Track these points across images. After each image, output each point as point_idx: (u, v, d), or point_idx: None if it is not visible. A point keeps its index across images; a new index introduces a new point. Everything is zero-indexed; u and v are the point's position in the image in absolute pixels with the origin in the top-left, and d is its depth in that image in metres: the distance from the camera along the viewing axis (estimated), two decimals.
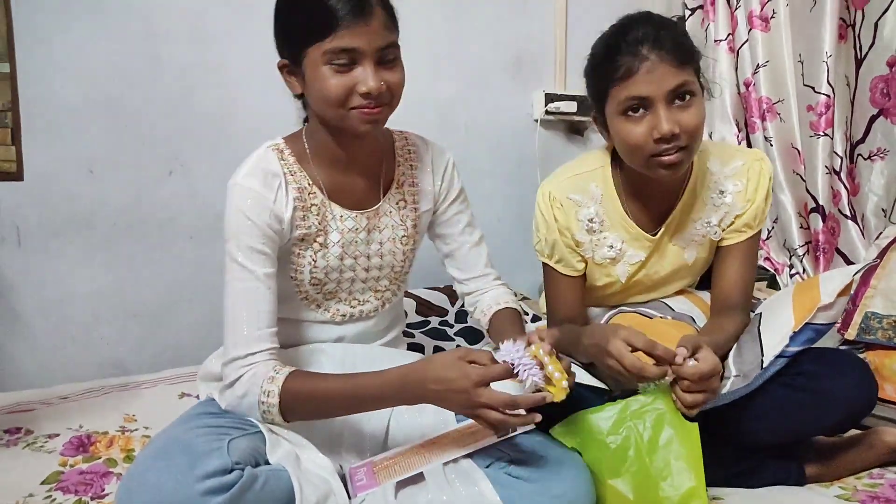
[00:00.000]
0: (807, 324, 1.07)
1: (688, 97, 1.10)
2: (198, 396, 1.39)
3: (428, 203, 1.21)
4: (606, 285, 1.34)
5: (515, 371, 0.90)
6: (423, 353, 1.57)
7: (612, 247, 1.28)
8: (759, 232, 1.30)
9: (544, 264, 1.34)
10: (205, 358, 1.20)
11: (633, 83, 1.09)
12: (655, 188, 1.24)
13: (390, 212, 1.16)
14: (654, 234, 1.28)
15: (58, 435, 1.23)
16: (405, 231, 1.18)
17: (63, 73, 1.50)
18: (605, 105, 1.15)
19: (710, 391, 1.00)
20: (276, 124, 1.72)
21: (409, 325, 1.64)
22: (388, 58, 1.01)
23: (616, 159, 1.27)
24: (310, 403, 0.99)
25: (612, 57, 1.11)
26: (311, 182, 1.08)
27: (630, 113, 1.11)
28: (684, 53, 1.10)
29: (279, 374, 0.98)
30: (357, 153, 1.10)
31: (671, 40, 1.09)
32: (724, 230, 1.28)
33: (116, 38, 1.54)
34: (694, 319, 1.32)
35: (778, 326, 1.11)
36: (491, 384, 0.89)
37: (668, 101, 1.09)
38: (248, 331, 1.00)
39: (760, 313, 1.20)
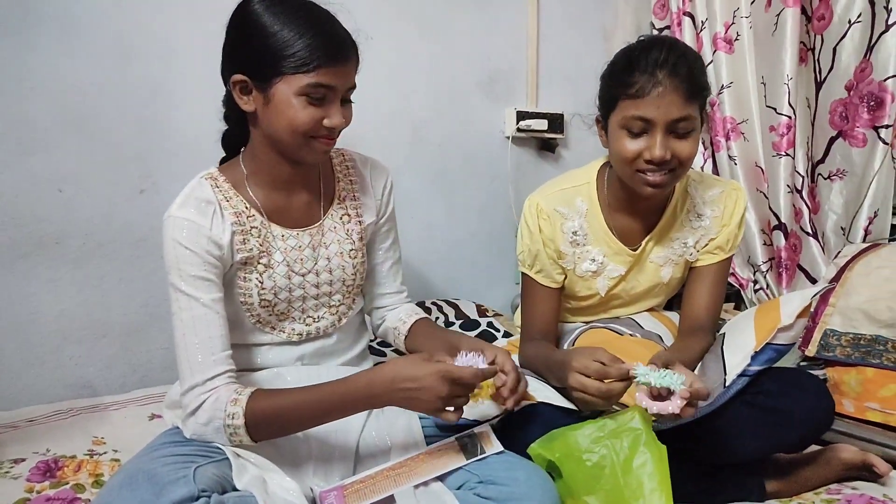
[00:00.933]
0: (767, 344, 1.11)
1: (687, 129, 1.16)
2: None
3: (371, 215, 1.23)
4: (585, 297, 1.38)
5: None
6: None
7: (593, 260, 1.33)
8: (731, 258, 1.36)
9: (524, 274, 1.37)
10: (175, 378, 1.18)
11: (643, 103, 1.14)
12: (639, 205, 1.30)
13: (335, 227, 1.18)
14: (635, 250, 1.33)
15: (24, 459, 1.21)
16: (352, 244, 1.19)
17: (33, 91, 1.48)
18: (612, 112, 1.21)
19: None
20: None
21: (381, 343, 1.64)
22: (348, 96, 1.06)
23: (602, 177, 1.33)
24: (277, 420, 0.99)
25: (630, 71, 1.16)
26: (248, 206, 1.10)
27: (632, 129, 1.17)
28: (695, 88, 1.15)
29: (242, 395, 0.98)
30: (298, 173, 1.12)
31: (687, 72, 1.14)
32: (698, 252, 1.33)
33: (87, 56, 1.53)
34: (661, 338, 1.35)
35: (740, 346, 1.15)
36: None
37: (669, 129, 1.15)
38: (202, 357, 1.00)
39: (724, 333, 1.23)
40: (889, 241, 1.66)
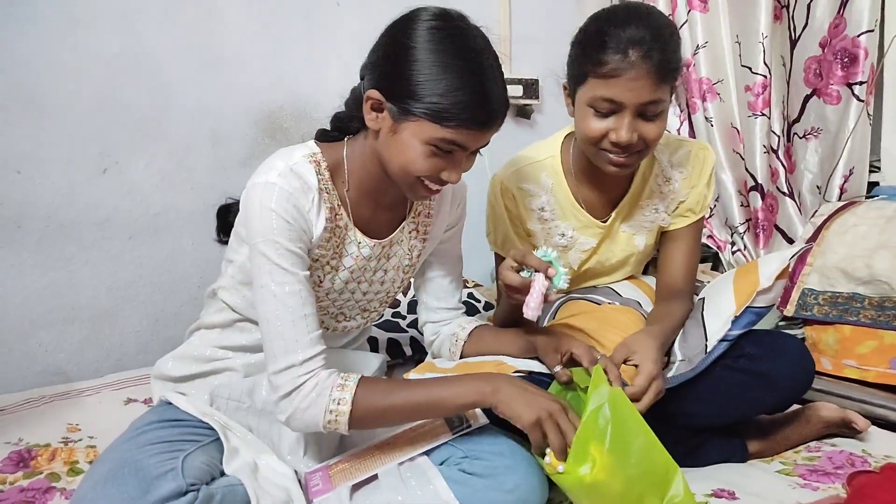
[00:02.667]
0: (747, 307, 1.11)
1: (656, 112, 1.12)
2: (146, 401, 1.37)
3: (437, 234, 1.18)
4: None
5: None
6: (378, 346, 1.56)
7: (563, 235, 1.30)
8: (702, 219, 1.33)
9: (496, 254, 1.35)
10: (151, 361, 1.16)
11: (613, 84, 1.08)
12: (606, 176, 1.24)
13: (402, 241, 1.13)
14: (605, 221, 1.31)
15: None
16: (409, 261, 1.16)
17: None
18: (580, 87, 1.14)
19: (660, 390, 1.03)
20: (213, 117, 1.68)
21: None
22: (479, 151, 1.00)
23: (567, 149, 1.29)
24: (383, 414, 0.96)
25: (602, 48, 1.08)
26: (339, 203, 1.04)
27: (599, 109, 1.12)
28: (668, 72, 1.10)
29: (349, 382, 0.94)
30: (393, 190, 1.05)
31: (661, 54, 1.08)
32: (670, 216, 1.32)
33: (38, 28, 1.45)
34: (640, 304, 1.35)
35: (720, 311, 1.15)
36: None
37: (637, 112, 1.11)
38: (298, 335, 0.94)
39: (703, 298, 1.23)
40: (865, 199, 1.66)
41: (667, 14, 2.07)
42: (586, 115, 1.14)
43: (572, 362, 1.06)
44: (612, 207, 1.31)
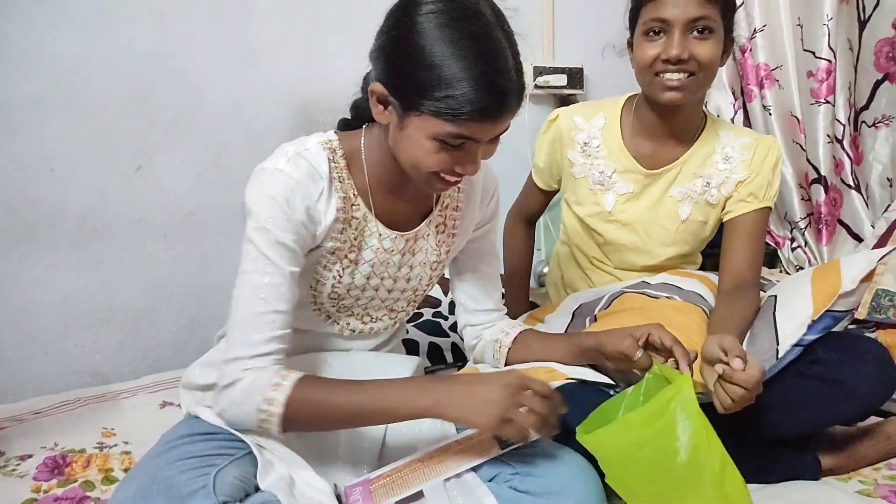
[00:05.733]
0: (826, 311, 1.03)
1: (705, 31, 1.17)
2: (180, 405, 1.34)
3: (467, 229, 1.12)
4: (595, 217, 1.36)
5: None
6: (418, 350, 1.51)
7: (602, 172, 1.34)
8: (768, 209, 1.30)
9: (530, 177, 1.47)
10: (187, 362, 1.12)
11: (660, 4, 1.17)
12: (665, 129, 1.30)
13: (428, 235, 1.07)
14: (651, 171, 1.32)
15: (31, 456, 1.16)
16: (437, 257, 1.10)
17: (16, 64, 1.39)
18: (636, 26, 1.23)
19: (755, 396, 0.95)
20: (248, 113, 1.65)
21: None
22: (497, 137, 0.91)
23: (630, 103, 1.36)
24: (315, 418, 0.90)
25: None
26: (356, 193, 0.98)
27: (651, 34, 1.20)
28: None
29: (286, 382, 0.88)
30: (411, 181, 0.98)
31: None
32: (726, 198, 1.30)
33: (70, 25, 1.43)
34: (703, 297, 1.27)
35: (795, 312, 1.07)
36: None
37: (686, 29, 1.17)
38: (258, 330, 0.89)
39: (775, 296, 1.16)
40: None
41: None
42: (641, 43, 1.22)
43: (649, 347, 0.99)
44: (665, 165, 1.32)
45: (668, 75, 1.19)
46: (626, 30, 1.29)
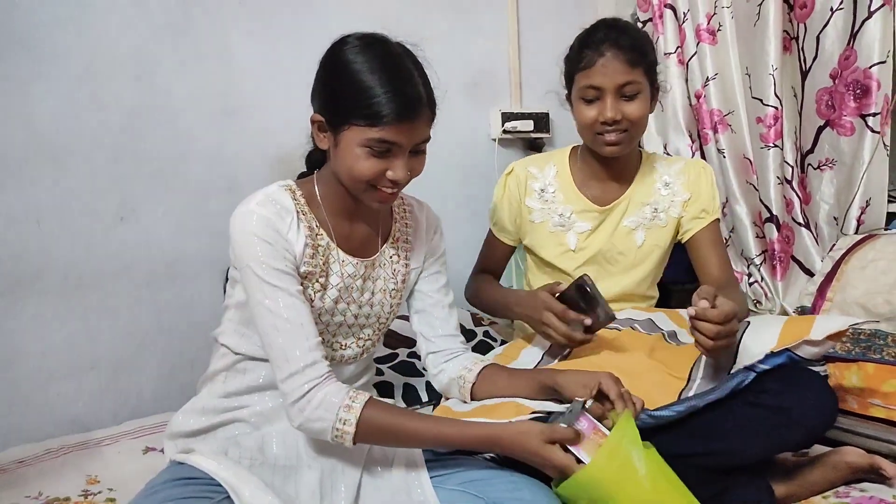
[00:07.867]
0: (786, 349, 1.11)
1: (634, 93, 1.34)
2: (163, 450, 1.37)
3: (417, 262, 1.25)
4: (560, 255, 1.48)
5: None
6: (392, 392, 1.55)
7: (561, 215, 1.48)
8: (718, 220, 1.48)
9: (490, 231, 1.59)
10: (168, 408, 1.17)
11: (592, 73, 1.34)
12: (608, 173, 1.47)
13: (384, 264, 1.20)
14: (603, 208, 1.47)
15: None
16: (395, 284, 1.21)
17: (2, 118, 1.43)
18: (572, 88, 1.41)
19: (732, 334, 1.11)
20: (229, 163, 1.70)
21: (375, 360, 1.61)
22: (420, 149, 1.07)
23: (575, 152, 1.52)
24: (385, 437, 1.03)
25: (581, 49, 1.37)
26: (318, 224, 1.11)
27: (586, 98, 1.36)
28: (636, 56, 1.33)
29: (356, 404, 1.00)
30: (362, 206, 1.14)
31: (629, 43, 1.33)
32: (676, 219, 1.47)
33: (57, 80, 1.48)
34: (675, 335, 1.37)
35: (759, 340, 1.15)
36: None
37: (617, 93, 1.34)
38: (297, 343, 1.01)
39: (749, 322, 1.24)
40: (884, 231, 1.64)
41: (675, 46, 2.10)
42: (579, 106, 1.39)
43: (601, 396, 1.07)
44: (613, 202, 1.48)
45: (607, 135, 1.36)
46: (563, 88, 1.46)
